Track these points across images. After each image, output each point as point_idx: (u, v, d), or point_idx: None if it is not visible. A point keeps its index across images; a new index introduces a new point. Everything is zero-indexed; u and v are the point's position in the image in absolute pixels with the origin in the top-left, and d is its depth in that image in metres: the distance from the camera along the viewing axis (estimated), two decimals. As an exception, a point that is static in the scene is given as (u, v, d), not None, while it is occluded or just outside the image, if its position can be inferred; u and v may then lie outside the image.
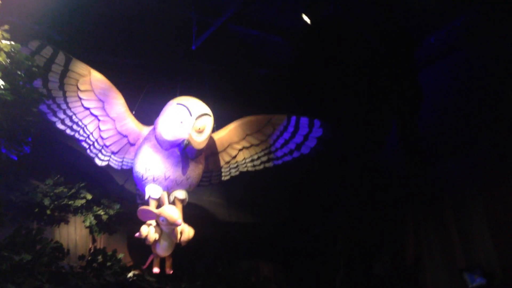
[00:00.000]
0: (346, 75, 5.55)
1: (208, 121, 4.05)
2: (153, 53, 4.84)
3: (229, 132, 4.45)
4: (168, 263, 4.11)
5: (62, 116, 3.96)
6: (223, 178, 4.57)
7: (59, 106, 3.91)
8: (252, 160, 4.56)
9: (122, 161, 4.24)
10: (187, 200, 4.18)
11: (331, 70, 5.54)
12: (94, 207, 4.62)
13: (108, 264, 4.01)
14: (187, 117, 3.93)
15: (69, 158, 4.49)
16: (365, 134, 5.69)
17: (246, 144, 4.50)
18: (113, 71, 4.27)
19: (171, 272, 4.14)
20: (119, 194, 4.79)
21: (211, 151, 4.43)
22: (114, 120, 4.10)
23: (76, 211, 4.56)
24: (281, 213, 6.24)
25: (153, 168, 3.98)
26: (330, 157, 5.37)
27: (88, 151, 4.14)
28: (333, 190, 5.97)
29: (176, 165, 3.99)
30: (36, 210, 4.32)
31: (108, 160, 4.21)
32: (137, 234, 3.98)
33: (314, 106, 5.26)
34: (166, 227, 3.87)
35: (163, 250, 3.99)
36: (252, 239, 6.06)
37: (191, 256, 5.60)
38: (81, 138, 4.06)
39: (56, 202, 4.34)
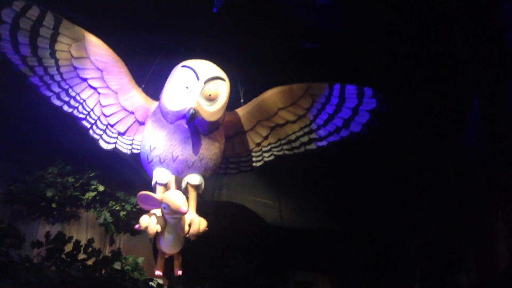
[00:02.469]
0: (412, 38, 4.64)
1: (222, 87, 3.33)
2: (167, 20, 4.06)
3: (257, 106, 3.67)
4: (176, 263, 3.42)
5: (57, 89, 3.42)
6: (254, 164, 3.79)
7: (52, 77, 3.38)
8: (289, 142, 3.72)
9: (131, 144, 3.61)
10: (202, 186, 3.45)
11: (394, 33, 4.66)
12: (110, 201, 4.09)
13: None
14: (194, 82, 3.23)
15: (76, 142, 3.85)
16: (438, 109, 4.56)
17: (280, 121, 3.69)
18: (121, 42, 3.66)
19: (180, 273, 3.42)
20: (137, 185, 4.05)
21: (236, 129, 3.69)
22: (116, 93, 3.49)
23: (89, 206, 4.08)
24: (343, 216, 5.53)
25: (158, 147, 3.31)
26: (392, 138, 4.48)
27: (90, 131, 3.54)
28: (401, 182, 5.13)
29: (184, 142, 3.29)
30: (43, 204, 3.82)
31: (115, 143, 3.59)
32: (136, 226, 3.35)
33: (370, 77, 4.19)
34: (170, 217, 3.18)
35: (168, 245, 3.30)
36: (310, 248, 5.29)
37: (235, 264, 5.08)
38: (80, 115, 3.50)
39: (60, 194, 3.79)
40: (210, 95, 3.25)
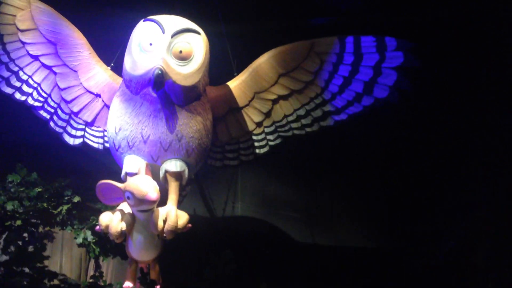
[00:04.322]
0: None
1: (197, 42, 2.61)
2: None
3: (252, 74, 2.92)
4: (153, 273, 2.61)
5: (5, 73, 2.85)
6: (258, 150, 2.99)
7: (-2, 59, 2.98)
8: (298, 118, 2.94)
9: (103, 136, 2.95)
10: (186, 175, 2.68)
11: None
12: (91, 216, 3.24)
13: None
14: (159, 36, 2.54)
15: (39, 141, 3.24)
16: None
17: (283, 92, 2.92)
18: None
19: (160, 285, 2.66)
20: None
21: (227, 105, 2.95)
22: (76, 72, 2.85)
23: (64, 222, 3.35)
24: (387, 229, 4.70)
25: (124, 127, 2.60)
26: (431, 108, 3.74)
27: (51, 123, 2.94)
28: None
29: (155, 117, 2.56)
30: (8, 223, 3.17)
31: (83, 136, 2.94)
32: (96, 228, 2.58)
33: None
34: (137, 210, 2.44)
35: (138, 249, 2.54)
36: (348, 267, 4.48)
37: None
38: (36, 104, 2.91)
39: (25, 209, 3.05)
40: (180, 51, 2.54)
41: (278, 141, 3.04)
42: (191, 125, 2.64)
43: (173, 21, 2.61)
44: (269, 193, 4.53)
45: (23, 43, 2.82)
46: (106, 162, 3.18)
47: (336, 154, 4.30)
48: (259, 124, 3.00)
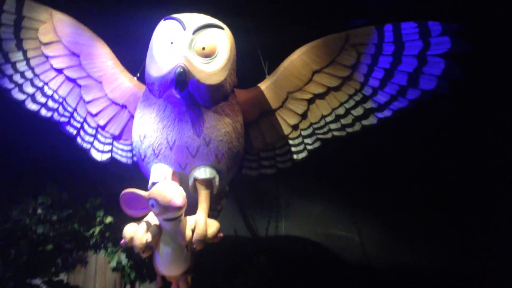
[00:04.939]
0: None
1: (221, 38, 2.44)
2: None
3: (284, 73, 2.72)
4: None
5: (30, 89, 2.78)
6: (296, 156, 2.76)
7: (23, 75, 2.76)
8: (337, 118, 2.70)
9: (132, 150, 2.80)
10: (217, 183, 2.46)
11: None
12: None
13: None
14: (180, 33, 2.39)
15: (67, 158, 3.11)
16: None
17: (318, 90, 2.70)
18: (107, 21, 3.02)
19: None
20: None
21: (260, 109, 2.74)
22: (101, 83, 2.75)
23: (98, 245, 3.31)
24: (449, 249, 4.28)
25: (148, 133, 2.43)
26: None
27: (78, 139, 2.83)
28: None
29: (180, 120, 2.38)
30: (40, 248, 3.17)
31: (111, 151, 2.83)
32: (122, 242, 2.31)
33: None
34: (163, 219, 2.23)
35: (166, 263, 2.31)
36: None
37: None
38: (62, 119, 2.81)
39: (56, 231, 3.01)
40: (203, 48, 2.37)
41: (316, 144, 2.80)
42: (219, 128, 2.44)
43: (194, 18, 2.46)
44: (316, 211, 4.28)
45: (47, 56, 2.76)
46: (137, 178, 3.08)
47: (389, 165, 4.03)
48: (295, 127, 2.78)
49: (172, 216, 2.21)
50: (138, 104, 2.59)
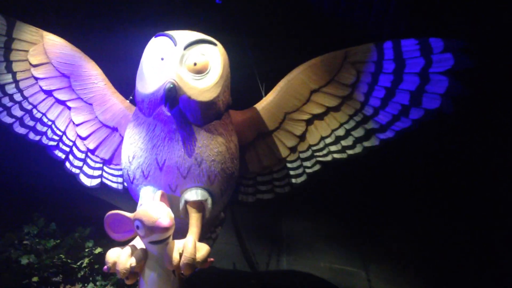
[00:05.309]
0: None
1: (212, 53, 2.34)
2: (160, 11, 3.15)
3: (280, 94, 2.62)
4: None
5: (19, 113, 2.69)
6: (294, 180, 2.64)
7: (12, 98, 2.67)
8: (337, 139, 2.60)
9: (122, 175, 2.65)
10: (209, 205, 2.31)
11: None
12: None
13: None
14: (171, 49, 2.31)
15: (54, 185, 3.04)
16: None
17: (317, 110, 2.60)
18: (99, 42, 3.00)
19: None
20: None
21: (256, 130, 2.62)
22: (91, 105, 2.66)
23: (86, 278, 3.03)
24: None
25: (137, 153, 2.31)
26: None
27: (67, 163, 2.72)
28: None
29: (170, 139, 2.26)
30: (25, 281, 2.91)
31: (101, 176, 2.71)
32: (104, 268, 2.13)
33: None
34: (148, 242, 2.06)
35: None
36: None
37: None
38: (51, 143, 2.71)
39: (42, 262, 2.80)
40: (195, 64, 2.28)
41: (316, 167, 2.67)
42: (211, 147, 2.32)
43: (186, 34, 2.39)
44: (320, 245, 4.12)
45: (36, 78, 2.68)
46: (129, 206, 2.95)
47: (397, 197, 3.87)
48: (293, 149, 2.65)
49: (158, 238, 2.05)
50: (128, 125, 2.48)
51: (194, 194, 2.32)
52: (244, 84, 2.82)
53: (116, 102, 2.68)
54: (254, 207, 3.32)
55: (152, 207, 2.10)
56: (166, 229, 2.02)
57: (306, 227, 4.04)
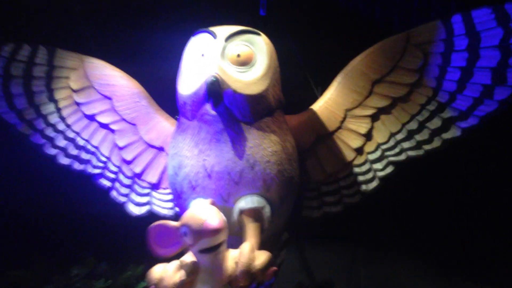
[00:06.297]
0: None
1: (257, 43, 2.15)
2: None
3: (337, 89, 2.34)
4: None
5: (62, 142, 2.56)
6: (364, 186, 2.30)
7: (55, 128, 2.55)
8: (410, 134, 2.25)
9: (173, 200, 2.48)
10: (267, 214, 2.03)
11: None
12: None
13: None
14: (211, 43, 2.13)
15: (103, 219, 2.78)
16: None
17: (382, 102, 2.29)
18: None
19: None
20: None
21: (315, 133, 2.33)
22: (135, 125, 2.50)
23: None
24: None
25: (184, 163, 2.08)
26: None
27: (113, 192, 2.53)
28: None
29: (218, 141, 2.03)
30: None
31: (149, 203, 2.50)
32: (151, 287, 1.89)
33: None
34: (199, 250, 1.76)
35: None
36: None
37: None
38: (95, 171, 2.54)
39: None
40: (238, 55, 2.10)
41: (389, 170, 2.32)
42: (264, 146, 2.06)
43: (226, 27, 2.23)
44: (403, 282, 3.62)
45: (78, 104, 2.56)
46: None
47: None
48: (359, 151, 2.34)
49: (209, 244, 1.75)
50: (172, 135, 2.31)
51: (249, 201, 2.05)
52: (297, 88, 2.64)
53: (160, 120, 2.50)
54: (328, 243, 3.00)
55: (199, 209, 1.84)
56: (216, 231, 1.74)
57: (387, 260, 3.57)
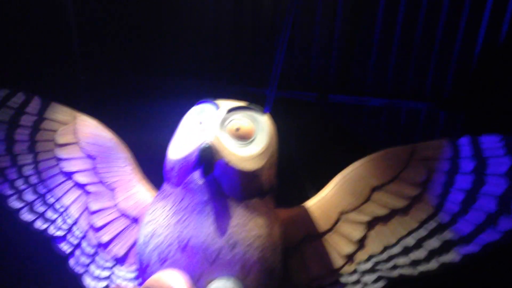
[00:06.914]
0: None
1: (259, 121, 2.09)
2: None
3: (334, 189, 2.23)
4: None
5: (31, 197, 2.36)
6: (352, 296, 2.20)
7: (27, 180, 2.38)
8: (405, 250, 2.08)
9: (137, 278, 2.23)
10: None
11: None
12: None
13: None
14: (212, 112, 2.07)
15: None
16: None
17: (379, 211, 2.16)
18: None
19: None
20: None
21: (303, 230, 2.16)
22: (112, 190, 2.32)
23: None
24: None
25: (157, 231, 1.89)
26: None
27: (72, 261, 2.27)
28: None
29: (199, 213, 1.86)
30: None
31: (109, 277, 2.22)
32: None
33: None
34: None
35: None
36: None
37: None
38: (58, 233, 2.31)
39: None
40: (237, 129, 2.02)
41: (380, 284, 2.12)
42: (248, 228, 1.89)
43: (231, 101, 2.18)
44: None
45: (58, 159, 2.41)
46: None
47: None
48: (349, 258, 2.15)
49: None
50: (151, 201, 2.15)
51: (222, 285, 1.82)
52: (289, 184, 2.53)
53: (142, 190, 2.33)
54: None
55: (166, 273, 1.64)
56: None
57: None
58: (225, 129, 2.04)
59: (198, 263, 1.84)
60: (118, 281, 2.24)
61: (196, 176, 1.95)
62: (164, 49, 3.56)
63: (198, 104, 2.23)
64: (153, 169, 2.51)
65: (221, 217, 1.89)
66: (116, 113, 2.83)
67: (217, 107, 2.12)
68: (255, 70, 3.61)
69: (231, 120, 2.07)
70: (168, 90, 3.50)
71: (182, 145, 2.06)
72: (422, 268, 2.13)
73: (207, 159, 1.92)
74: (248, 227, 1.91)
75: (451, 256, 2.12)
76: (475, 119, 3.18)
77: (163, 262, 1.88)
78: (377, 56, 3.38)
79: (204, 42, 3.55)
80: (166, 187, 2.08)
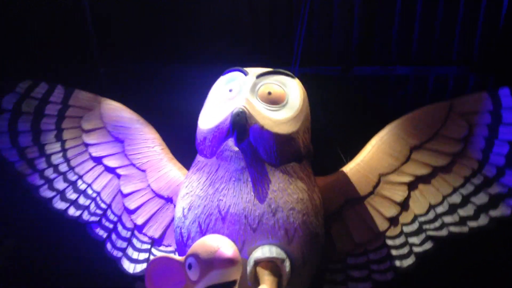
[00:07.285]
0: None
1: (290, 85, 2.04)
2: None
3: (371, 152, 2.16)
4: None
5: (62, 185, 2.34)
6: (398, 263, 2.00)
7: (56, 168, 2.36)
8: (453, 207, 2.02)
9: None
10: (287, 268, 1.72)
11: None
12: None
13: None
14: (241, 79, 2.04)
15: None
16: None
17: (421, 170, 2.09)
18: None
19: None
20: None
21: (343, 195, 2.11)
22: (144, 171, 2.29)
23: None
24: None
25: (195, 203, 1.85)
26: None
27: (108, 245, 2.24)
28: None
29: (237, 179, 1.83)
30: None
31: (147, 260, 2.19)
32: None
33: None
34: (206, 286, 1.45)
35: None
36: None
37: None
38: (92, 219, 2.28)
39: None
40: (269, 93, 1.97)
41: (428, 246, 2.06)
42: (289, 192, 1.85)
43: (258, 68, 2.14)
44: None
45: (87, 145, 2.39)
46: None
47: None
48: (394, 221, 2.09)
49: (220, 278, 1.46)
50: (186, 175, 2.11)
51: (267, 251, 1.77)
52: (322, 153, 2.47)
53: (172, 169, 2.29)
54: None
55: (212, 237, 1.58)
56: (230, 261, 1.46)
57: None
58: (256, 94, 2.00)
59: (240, 231, 1.79)
60: None
61: (231, 144, 1.92)
62: (182, 37, 3.55)
63: (225, 73, 2.22)
64: (176, 158, 2.53)
65: (260, 182, 1.84)
66: (136, 103, 2.81)
67: (246, 73, 2.08)
68: (275, 51, 3.59)
69: (262, 85, 2.03)
70: (188, 78, 3.49)
71: (213, 114, 2.03)
72: (472, 224, 2.05)
73: (240, 125, 1.87)
74: (289, 191, 1.86)
75: (501, 210, 2.04)
76: (505, 80, 3.08)
77: (204, 233, 1.84)
78: (401, 23, 3.33)
79: (222, 28, 3.53)
80: (199, 158, 2.04)
